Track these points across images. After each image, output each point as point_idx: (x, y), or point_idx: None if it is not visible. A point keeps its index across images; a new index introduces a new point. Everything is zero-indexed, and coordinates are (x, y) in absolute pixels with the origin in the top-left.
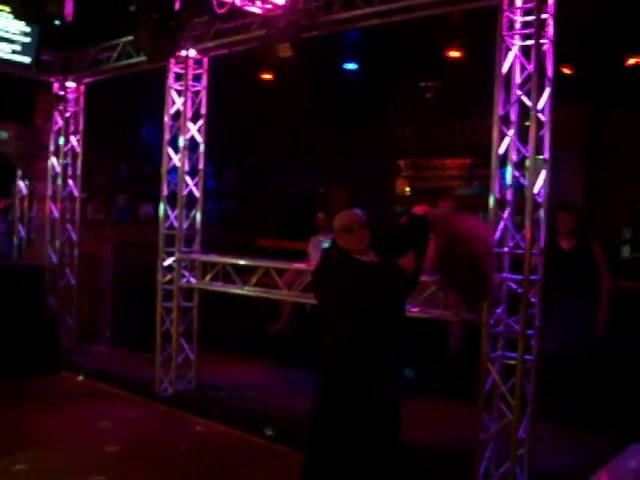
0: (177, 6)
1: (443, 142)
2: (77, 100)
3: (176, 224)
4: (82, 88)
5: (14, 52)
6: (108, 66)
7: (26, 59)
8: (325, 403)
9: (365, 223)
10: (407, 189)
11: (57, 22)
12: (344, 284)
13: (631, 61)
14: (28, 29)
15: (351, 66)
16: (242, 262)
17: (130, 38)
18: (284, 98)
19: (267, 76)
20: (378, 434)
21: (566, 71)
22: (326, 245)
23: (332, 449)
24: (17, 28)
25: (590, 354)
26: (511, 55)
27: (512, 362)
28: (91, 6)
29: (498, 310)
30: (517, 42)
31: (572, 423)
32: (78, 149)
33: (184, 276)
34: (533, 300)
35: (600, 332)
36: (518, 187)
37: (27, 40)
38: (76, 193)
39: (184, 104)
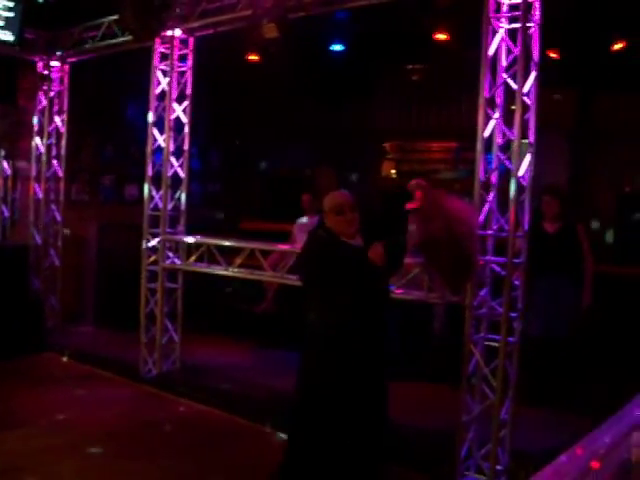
0: None
1: (429, 125)
2: (61, 79)
3: (161, 205)
4: (66, 67)
5: None
6: (93, 45)
7: (9, 36)
8: (308, 382)
9: (355, 206)
10: (393, 172)
11: (40, 0)
12: (329, 265)
13: (617, 46)
14: (11, 4)
15: (338, 47)
16: (227, 243)
17: (115, 17)
18: (270, 79)
19: (253, 57)
20: (361, 412)
21: (553, 55)
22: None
23: (316, 425)
24: (0, 3)
25: (573, 336)
26: (497, 38)
27: (495, 344)
28: None
29: (482, 292)
30: (503, 25)
31: (554, 405)
32: (62, 129)
33: (168, 257)
34: (516, 283)
35: (585, 311)
36: (503, 170)
37: (10, 15)
38: (60, 173)
39: (169, 84)
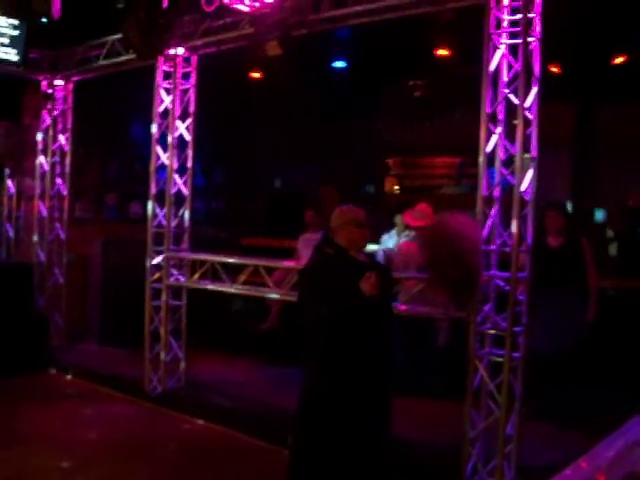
0: (165, 3)
1: (432, 141)
2: (65, 98)
3: (164, 222)
4: (70, 86)
5: (2, 45)
6: (96, 64)
7: (14, 56)
8: (310, 396)
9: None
10: (396, 187)
11: (44, 20)
12: (339, 280)
13: (618, 60)
14: (16, 22)
15: (340, 64)
16: (231, 260)
17: (119, 36)
18: (273, 97)
19: (256, 74)
20: (364, 426)
21: (554, 69)
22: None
23: (318, 439)
24: (5, 21)
25: (578, 351)
26: (498, 53)
27: (500, 359)
28: (79, 4)
29: (486, 307)
30: (504, 40)
31: (558, 420)
32: (66, 147)
33: (172, 274)
34: (521, 298)
35: (589, 326)
36: (506, 185)
37: (15, 33)
38: (64, 191)
39: (173, 102)
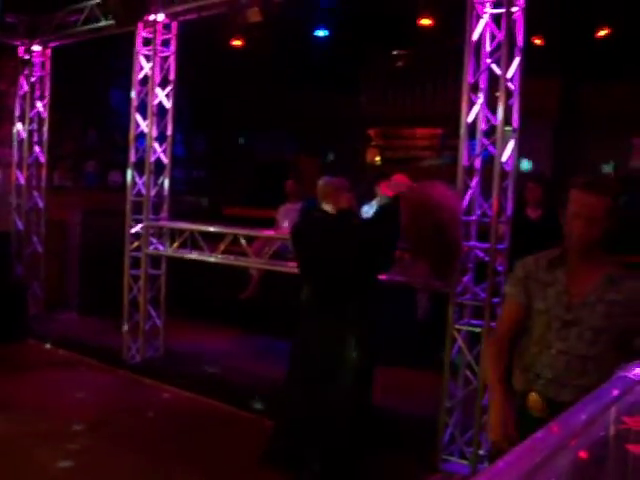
0: None
1: (414, 112)
2: (43, 64)
3: (144, 191)
4: (48, 52)
5: None
6: (75, 30)
7: None
8: (300, 352)
9: None
10: (377, 158)
11: None
12: (331, 239)
13: (601, 33)
14: None
15: (322, 33)
16: (211, 229)
17: (97, 1)
18: (255, 65)
19: (237, 42)
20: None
21: (537, 42)
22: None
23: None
24: None
25: None
26: (482, 23)
27: (478, 330)
28: None
29: (465, 278)
30: (488, 10)
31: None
32: (44, 114)
33: (152, 243)
34: (500, 268)
35: None
36: (487, 156)
37: None
38: (42, 159)
39: (152, 69)
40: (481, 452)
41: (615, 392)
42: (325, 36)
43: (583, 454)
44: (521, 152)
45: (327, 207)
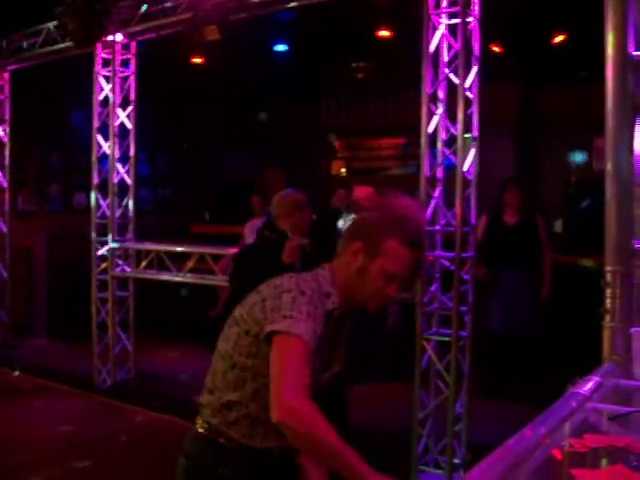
0: None
1: (377, 122)
2: (2, 88)
3: (108, 213)
4: (7, 76)
5: None
6: (33, 52)
7: None
8: None
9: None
10: (343, 170)
11: None
12: (275, 263)
13: (558, 38)
14: None
15: (282, 48)
16: (177, 249)
17: (55, 23)
18: (216, 81)
19: (197, 60)
20: None
21: (495, 49)
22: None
23: None
24: None
25: (533, 329)
26: (438, 34)
27: (447, 339)
28: None
29: (432, 288)
30: (444, 21)
31: (512, 397)
32: (5, 139)
33: (118, 265)
34: (466, 277)
35: (544, 303)
36: (449, 165)
37: None
38: (5, 184)
39: (112, 90)
40: (456, 461)
41: (565, 412)
42: (284, 51)
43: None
44: (484, 159)
45: (281, 225)
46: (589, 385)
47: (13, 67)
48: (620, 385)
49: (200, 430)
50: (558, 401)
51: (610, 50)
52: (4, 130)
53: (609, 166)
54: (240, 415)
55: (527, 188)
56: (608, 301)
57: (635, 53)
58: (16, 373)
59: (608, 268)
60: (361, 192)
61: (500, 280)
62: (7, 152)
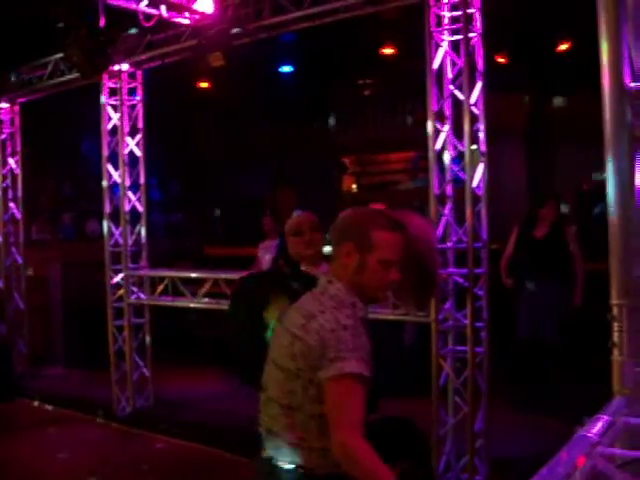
0: (103, 21)
1: (386, 137)
2: (12, 121)
3: (121, 241)
4: (16, 108)
5: None
6: (41, 84)
7: None
8: None
9: (319, 226)
10: (354, 186)
11: None
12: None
13: (563, 46)
14: None
15: (287, 69)
16: (191, 275)
17: (61, 55)
18: (225, 104)
19: (204, 84)
20: None
21: (501, 60)
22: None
23: None
24: None
25: (563, 340)
26: (441, 51)
27: (464, 356)
28: (20, 24)
29: (446, 305)
30: (446, 37)
31: (540, 408)
32: (17, 170)
33: (133, 292)
34: (480, 293)
35: (575, 310)
36: (458, 181)
37: None
38: (18, 215)
39: (120, 119)
40: (478, 478)
41: (573, 459)
42: (291, 71)
43: None
44: (496, 168)
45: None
46: (598, 426)
47: (22, 99)
48: (631, 424)
49: None
50: (566, 446)
51: (606, 83)
52: (16, 162)
53: (610, 198)
54: None
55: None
56: (616, 335)
57: (632, 85)
58: (35, 403)
59: (614, 302)
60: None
61: (527, 288)
62: (20, 184)
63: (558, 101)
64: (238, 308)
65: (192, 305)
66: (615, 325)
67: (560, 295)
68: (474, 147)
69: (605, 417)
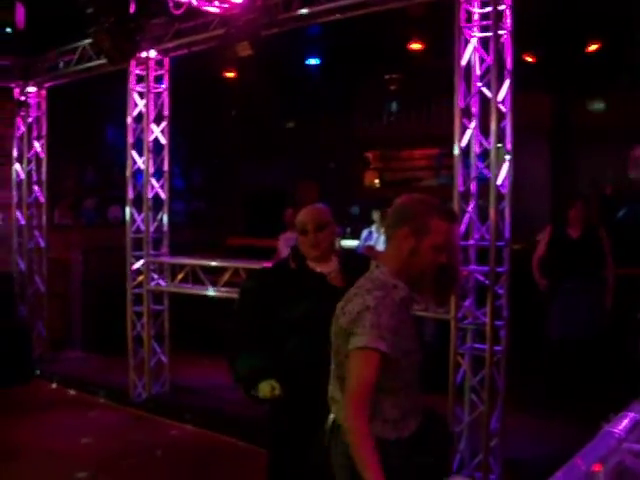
0: (133, 8)
1: (410, 133)
2: (39, 105)
3: (143, 227)
4: (43, 93)
5: None
6: (69, 70)
7: None
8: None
9: (326, 224)
10: (376, 181)
11: (8, 29)
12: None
13: (592, 47)
14: None
15: (314, 61)
16: (212, 263)
17: (89, 41)
18: (250, 95)
19: (231, 74)
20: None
21: (528, 59)
22: None
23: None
24: None
25: (596, 340)
26: (470, 47)
27: (482, 354)
28: (49, 10)
29: (466, 303)
30: (475, 34)
31: (569, 410)
32: (42, 154)
33: (153, 279)
34: (500, 291)
35: (607, 313)
36: (483, 178)
37: None
38: (42, 199)
39: (146, 106)
40: (492, 477)
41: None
42: (318, 64)
43: None
44: (518, 169)
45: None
46: (624, 423)
47: (49, 84)
48: None
49: None
50: (592, 442)
51: None
52: (42, 146)
53: None
54: None
55: (591, 203)
56: None
57: None
58: (53, 386)
59: None
60: None
61: (560, 288)
62: (44, 167)
63: (585, 102)
64: (245, 303)
65: (212, 294)
66: None
67: (597, 295)
68: (500, 145)
69: (632, 414)
